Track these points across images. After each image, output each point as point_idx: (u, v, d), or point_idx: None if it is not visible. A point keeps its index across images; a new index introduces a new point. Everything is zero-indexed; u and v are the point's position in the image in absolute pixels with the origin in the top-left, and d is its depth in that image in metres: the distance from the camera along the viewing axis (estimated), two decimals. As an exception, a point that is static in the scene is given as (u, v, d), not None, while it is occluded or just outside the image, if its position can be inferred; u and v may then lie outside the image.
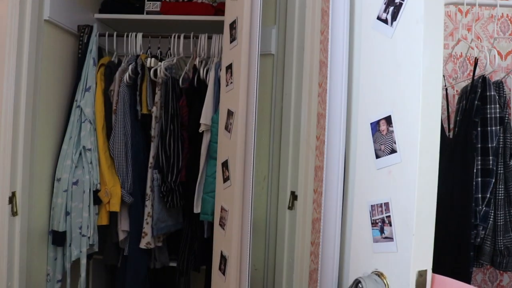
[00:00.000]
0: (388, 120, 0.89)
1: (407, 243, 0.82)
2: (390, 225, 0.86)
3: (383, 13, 0.94)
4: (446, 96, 1.66)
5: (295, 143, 1.90)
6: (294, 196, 1.90)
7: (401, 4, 0.89)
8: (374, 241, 0.90)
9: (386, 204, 0.88)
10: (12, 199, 1.79)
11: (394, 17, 0.91)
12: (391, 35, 0.91)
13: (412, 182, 0.83)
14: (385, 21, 0.93)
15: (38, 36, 1.96)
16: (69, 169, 2.08)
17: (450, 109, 1.67)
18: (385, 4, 0.94)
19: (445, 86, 1.69)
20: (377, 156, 0.91)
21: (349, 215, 1.01)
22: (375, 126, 0.92)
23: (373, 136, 0.93)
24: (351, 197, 1.00)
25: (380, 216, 0.89)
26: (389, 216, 0.87)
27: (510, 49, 1.88)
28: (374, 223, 0.91)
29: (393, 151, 0.87)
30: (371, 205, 0.92)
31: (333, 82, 1.04)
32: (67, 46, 2.24)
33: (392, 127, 0.88)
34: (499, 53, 1.85)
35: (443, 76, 1.70)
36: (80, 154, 2.11)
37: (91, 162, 2.12)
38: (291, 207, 1.97)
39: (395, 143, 0.87)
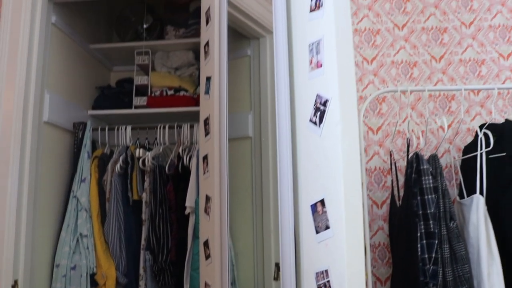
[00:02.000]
0: (322, 202, 1.12)
1: (342, 303, 1.02)
2: (330, 288, 1.07)
3: (313, 116, 1.20)
4: (395, 169, 1.90)
5: (276, 217, 2.07)
6: (278, 267, 2.05)
7: (324, 110, 1.15)
8: (319, 303, 1.10)
9: (326, 271, 1.08)
10: (14, 287, 1.95)
11: (321, 120, 1.16)
12: (319, 135, 1.16)
13: (342, 252, 1.04)
14: (315, 123, 1.19)
15: (39, 137, 2.20)
16: (67, 255, 2.25)
17: (400, 180, 1.91)
18: (314, 109, 1.20)
19: (394, 160, 1.94)
20: (317, 232, 1.13)
21: (302, 282, 1.21)
22: (314, 207, 1.15)
23: (313, 215, 1.15)
24: (302, 267, 1.20)
25: (323, 281, 1.09)
26: (329, 281, 1.07)
27: (450, 123, 2.16)
28: (319, 288, 1.11)
29: (327, 227, 1.09)
30: (316, 272, 1.12)
31: (282, 172, 1.28)
32: (64, 142, 2.48)
33: (325, 208, 1.11)
34: (441, 127, 2.13)
35: (391, 152, 1.97)
36: (77, 240, 2.29)
37: (87, 248, 2.29)
38: (276, 278, 2.12)
39: (328, 220, 1.09)
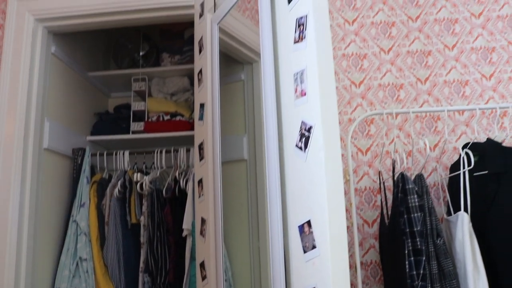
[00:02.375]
0: (309, 223, 1.18)
1: (329, 319, 1.08)
2: (317, 305, 1.12)
3: (299, 142, 1.27)
4: (384, 188, 1.97)
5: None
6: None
7: (309, 136, 1.23)
8: (308, 320, 1.15)
9: (314, 289, 1.14)
10: (15, 312, 2.00)
11: (306, 145, 1.23)
12: (305, 159, 1.23)
13: (328, 270, 1.10)
14: (300, 148, 1.26)
15: (39, 163, 2.28)
16: (67, 279, 2.30)
17: (389, 199, 1.97)
18: (299, 135, 1.27)
19: (383, 179, 2.01)
20: (304, 251, 1.19)
21: (292, 299, 1.27)
22: (301, 228, 1.22)
23: (300, 236, 1.21)
24: (292, 285, 1.26)
25: (311, 299, 1.15)
26: (316, 298, 1.13)
27: (436, 142, 2.24)
28: (307, 305, 1.17)
29: (314, 247, 1.15)
30: (305, 290, 1.18)
31: (271, 195, 1.35)
32: (64, 168, 2.55)
33: (312, 228, 1.17)
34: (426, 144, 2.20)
35: (380, 171, 2.04)
36: (77, 264, 2.35)
37: (87, 271, 2.35)
38: (274, 296, 2.16)
39: (314, 240, 1.16)
